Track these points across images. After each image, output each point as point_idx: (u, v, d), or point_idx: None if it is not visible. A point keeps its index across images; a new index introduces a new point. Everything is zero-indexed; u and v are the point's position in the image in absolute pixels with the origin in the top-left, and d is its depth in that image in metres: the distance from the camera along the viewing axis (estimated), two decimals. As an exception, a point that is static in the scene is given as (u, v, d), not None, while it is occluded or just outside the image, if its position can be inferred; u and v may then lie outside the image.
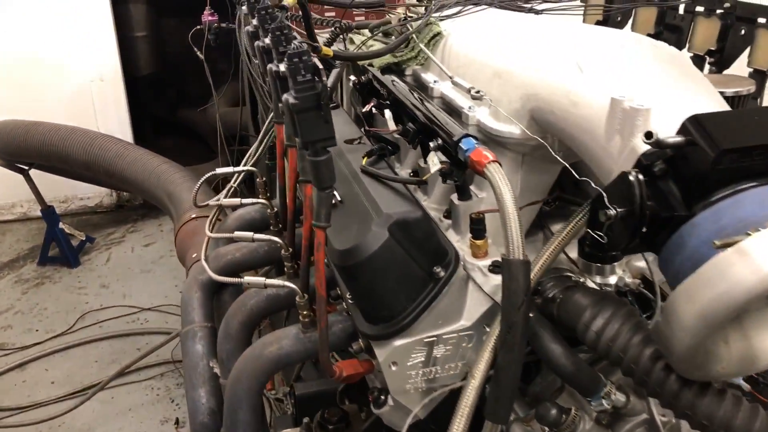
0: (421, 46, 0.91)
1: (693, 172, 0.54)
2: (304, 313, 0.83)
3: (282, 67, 0.64)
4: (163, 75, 3.69)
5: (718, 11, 0.99)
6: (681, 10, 1.04)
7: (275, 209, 1.02)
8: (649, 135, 0.53)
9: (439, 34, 0.94)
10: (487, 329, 0.76)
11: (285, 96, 0.64)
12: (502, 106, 0.73)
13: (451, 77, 0.81)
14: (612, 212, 0.55)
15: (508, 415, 0.66)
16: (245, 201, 1.01)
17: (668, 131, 0.57)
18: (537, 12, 0.98)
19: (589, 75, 0.65)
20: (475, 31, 0.89)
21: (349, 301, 0.80)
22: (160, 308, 2.46)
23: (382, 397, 0.79)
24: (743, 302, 0.49)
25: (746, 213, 0.52)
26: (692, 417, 0.57)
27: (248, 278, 0.83)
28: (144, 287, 2.62)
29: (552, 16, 0.99)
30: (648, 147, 0.55)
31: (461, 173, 0.74)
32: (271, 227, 1.05)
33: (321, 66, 0.64)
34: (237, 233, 0.91)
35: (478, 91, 0.75)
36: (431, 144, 0.77)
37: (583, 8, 1.08)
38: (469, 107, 0.78)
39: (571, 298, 0.68)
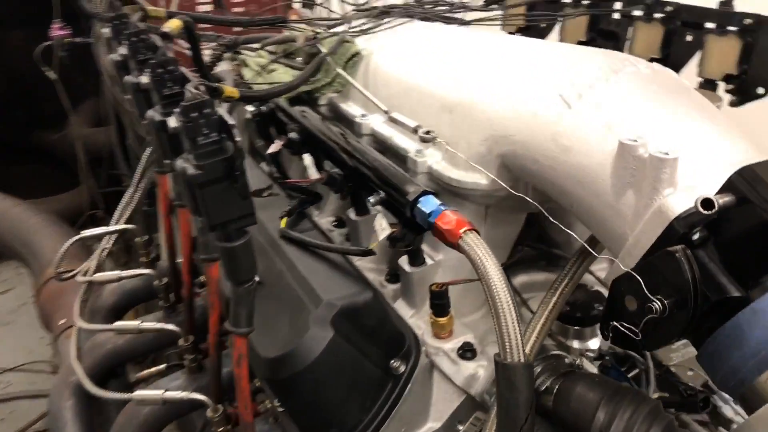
0: (339, 70, 0.74)
1: (746, 239, 0.41)
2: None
3: (171, 122, 0.45)
4: (9, 95, 3.25)
5: (659, 15, 0.90)
6: (617, 14, 0.94)
7: (164, 280, 0.81)
8: (708, 204, 0.39)
9: (357, 54, 0.77)
10: (461, 428, 0.61)
11: (179, 163, 0.45)
12: (460, 150, 0.58)
13: (386, 111, 0.65)
14: (659, 306, 0.40)
15: None
16: (123, 274, 0.79)
17: (702, 186, 0.43)
18: (466, 22, 0.84)
19: (580, 110, 0.51)
20: (406, 51, 0.73)
21: (279, 410, 0.62)
22: (24, 368, 2.13)
23: None
24: None
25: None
26: None
27: (140, 393, 0.62)
28: (3, 343, 2.26)
29: (493, 30, 0.86)
30: (682, 208, 0.41)
31: (416, 238, 0.58)
32: (161, 302, 0.83)
33: (227, 118, 0.45)
34: (118, 324, 0.70)
35: (427, 132, 0.59)
36: (371, 198, 0.60)
37: (522, 17, 0.95)
38: (417, 151, 0.61)
39: (574, 391, 0.53)
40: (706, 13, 0.84)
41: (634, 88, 0.51)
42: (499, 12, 0.94)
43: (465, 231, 0.49)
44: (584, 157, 0.49)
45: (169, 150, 0.53)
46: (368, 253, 0.59)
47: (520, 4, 0.99)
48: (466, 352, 0.60)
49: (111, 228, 0.87)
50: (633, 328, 0.43)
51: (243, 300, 0.50)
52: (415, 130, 0.60)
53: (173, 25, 0.57)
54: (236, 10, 1.53)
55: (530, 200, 0.54)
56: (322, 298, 0.55)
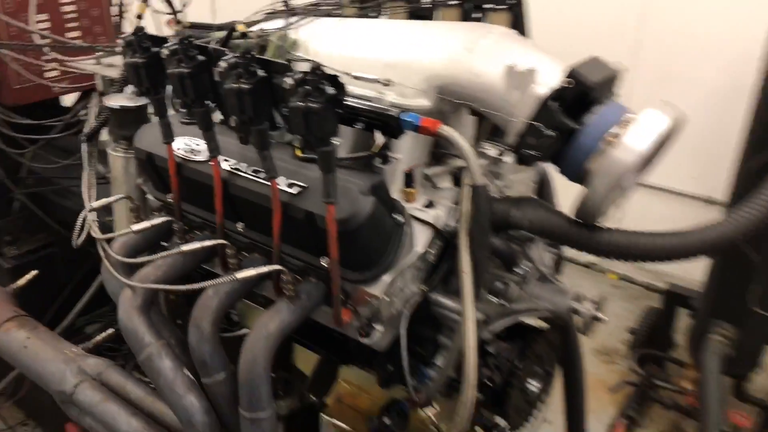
0: (300, 54, 1.09)
1: (579, 100, 0.90)
2: (290, 287, 0.97)
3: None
4: None
5: (455, 2, 1.40)
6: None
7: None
8: (571, 86, 0.87)
9: (295, 42, 1.13)
10: (431, 251, 1.03)
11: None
12: (407, 89, 0.99)
13: (347, 73, 1.03)
14: (553, 132, 0.88)
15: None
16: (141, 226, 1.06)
17: (547, 80, 0.92)
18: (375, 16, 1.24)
19: (478, 53, 0.96)
20: (334, 36, 1.11)
21: (324, 264, 0.97)
22: None
23: (373, 326, 1.00)
24: (624, 170, 0.87)
25: (610, 120, 0.90)
26: (600, 250, 0.94)
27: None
28: None
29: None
30: (555, 91, 0.89)
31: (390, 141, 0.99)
32: (177, 239, 1.11)
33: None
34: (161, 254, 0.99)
35: (388, 80, 0.99)
36: (357, 125, 0.98)
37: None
38: (380, 93, 1.01)
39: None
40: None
41: (501, 39, 0.98)
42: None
43: (440, 125, 0.91)
44: (488, 77, 0.95)
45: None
46: (378, 155, 0.98)
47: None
48: (429, 205, 1.03)
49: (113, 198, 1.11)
50: (531, 152, 0.91)
51: (331, 182, 0.86)
52: (376, 81, 1.00)
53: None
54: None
55: (471, 106, 0.98)
56: (361, 183, 0.93)
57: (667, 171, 1.60)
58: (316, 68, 0.80)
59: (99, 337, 1.41)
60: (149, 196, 1.22)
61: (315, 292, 1.00)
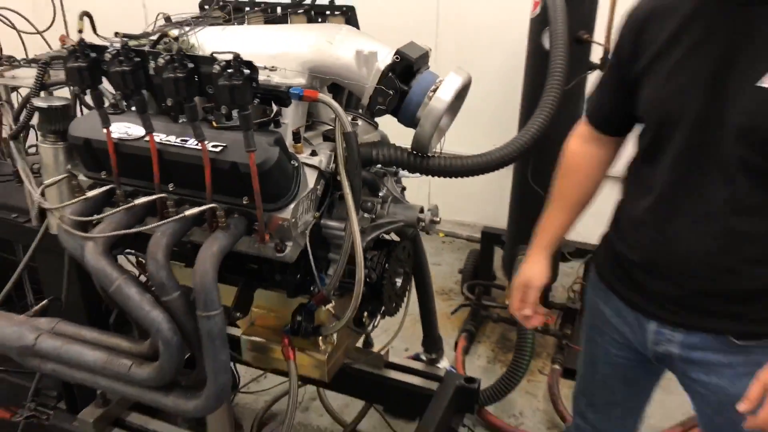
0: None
1: (406, 71, 1.38)
2: (222, 220, 1.34)
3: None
4: None
5: (300, 11, 1.81)
6: (279, 11, 1.81)
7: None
8: (398, 60, 1.33)
9: (193, 45, 1.49)
10: (318, 188, 1.45)
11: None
12: (288, 73, 1.41)
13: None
14: (392, 92, 1.34)
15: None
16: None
17: (383, 59, 1.38)
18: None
19: (336, 43, 1.40)
20: (228, 38, 1.49)
21: (244, 202, 1.35)
22: None
23: (285, 244, 1.40)
24: (441, 113, 1.36)
25: (427, 82, 1.38)
26: (430, 171, 1.43)
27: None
28: None
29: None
30: (388, 65, 1.35)
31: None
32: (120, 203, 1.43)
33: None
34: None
35: (273, 67, 1.40)
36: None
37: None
38: (267, 76, 1.41)
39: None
40: (323, 8, 1.81)
41: (349, 33, 1.43)
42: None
43: (318, 94, 1.34)
44: (345, 60, 1.39)
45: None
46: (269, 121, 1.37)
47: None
48: (313, 154, 1.45)
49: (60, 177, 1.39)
50: (384, 107, 1.36)
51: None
52: (265, 68, 1.40)
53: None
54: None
55: (326, 77, 1.41)
56: (267, 138, 1.33)
57: (474, 141, 2.16)
58: (236, 57, 1.19)
59: (38, 306, 1.65)
60: (81, 177, 1.51)
61: (240, 223, 1.38)
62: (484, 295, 3.10)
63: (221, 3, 1.85)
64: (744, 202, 1.23)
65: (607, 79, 1.47)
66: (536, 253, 1.61)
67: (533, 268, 1.59)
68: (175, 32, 1.46)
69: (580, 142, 1.55)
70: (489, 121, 3.12)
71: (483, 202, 3.57)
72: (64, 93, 1.67)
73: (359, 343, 2.07)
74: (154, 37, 1.41)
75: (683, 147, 1.26)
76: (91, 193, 1.39)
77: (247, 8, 1.84)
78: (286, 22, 1.83)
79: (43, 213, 1.81)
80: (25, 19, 2.18)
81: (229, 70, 1.20)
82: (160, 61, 1.24)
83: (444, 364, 2.21)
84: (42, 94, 1.59)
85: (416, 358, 2.31)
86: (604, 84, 1.49)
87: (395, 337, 1.92)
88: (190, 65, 1.24)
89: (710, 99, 1.21)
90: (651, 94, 1.30)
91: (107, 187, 1.43)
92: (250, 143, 1.25)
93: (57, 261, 1.86)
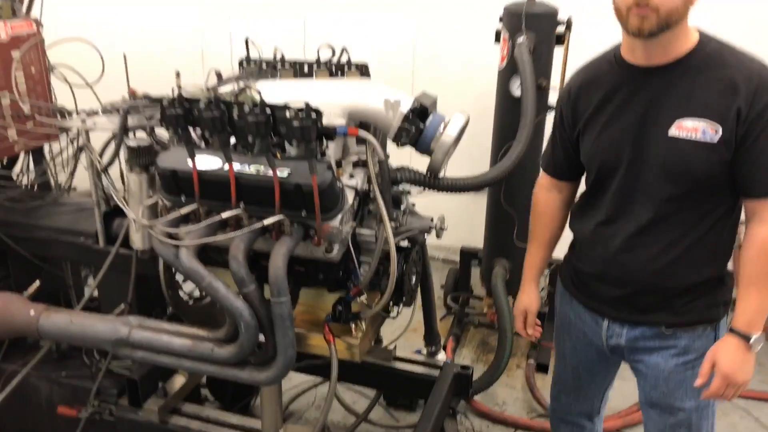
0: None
1: (421, 112, 1.82)
2: (288, 228, 1.74)
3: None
4: None
5: (323, 68, 2.25)
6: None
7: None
8: (417, 107, 1.78)
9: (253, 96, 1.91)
10: (355, 204, 1.87)
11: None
12: (332, 115, 1.84)
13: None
14: (413, 129, 1.78)
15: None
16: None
17: (405, 104, 1.83)
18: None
19: (369, 94, 1.84)
20: (282, 90, 1.91)
21: (303, 215, 1.76)
22: None
23: (333, 246, 1.80)
24: (450, 145, 1.81)
25: (438, 121, 1.83)
26: (441, 187, 1.87)
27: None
28: None
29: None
30: (409, 110, 1.80)
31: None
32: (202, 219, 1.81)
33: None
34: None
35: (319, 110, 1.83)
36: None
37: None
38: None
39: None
40: (342, 66, 2.25)
41: (375, 85, 1.87)
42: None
43: (358, 130, 1.76)
44: (376, 106, 1.82)
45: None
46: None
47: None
48: (350, 177, 1.87)
49: (154, 198, 1.78)
50: (407, 140, 1.80)
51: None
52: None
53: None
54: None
55: (361, 120, 1.84)
56: (322, 165, 1.74)
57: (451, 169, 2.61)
58: (308, 105, 1.62)
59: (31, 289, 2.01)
60: (161, 201, 1.89)
61: (299, 231, 1.78)
62: (465, 306, 3.53)
63: (257, 61, 2.29)
64: (665, 220, 1.63)
65: (555, 137, 1.87)
66: (527, 285, 2.01)
67: (528, 297, 2.01)
68: (234, 86, 1.89)
69: (543, 191, 1.96)
70: (463, 153, 3.59)
71: (458, 226, 3.99)
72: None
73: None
74: (232, 90, 1.82)
75: (620, 183, 1.66)
76: (184, 210, 1.78)
77: (279, 66, 2.28)
78: (311, 77, 2.27)
79: (108, 236, 2.17)
80: (77, 73, 2.56)
81: (302, 115, 1.62)
82: (246, 108, 1.65)
83: (441, 356, 2.62)
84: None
85: (417, 353, 2.71)
86: (553, 141, 1.89)
87: (402, 334, 2.34)
88: (268, 111, 1.66)
89: (636, 147, 1.60)
90: (589, 149, 1.71)
91: (191, 206, 1.81)
92: (313, 168, 1.66)
93: (120, 276, 2.20)
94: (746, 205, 1.57)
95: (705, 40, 1.53)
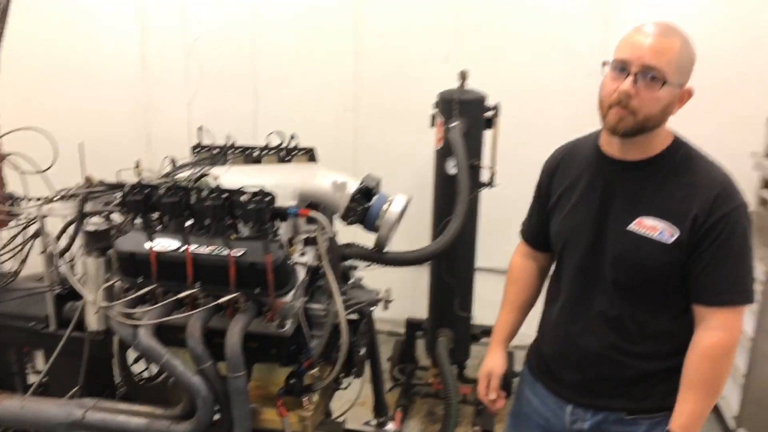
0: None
1: (366, 192, 1.98)
2: (243, 305, 1.83)
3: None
4: None
5: (271, 153, 2.41)
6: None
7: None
8: (363, 187, 1.94)
9: (208, 181, 2.03)
10: (306, 279, 1.98)
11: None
12: (286, 196, 1.97)
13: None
14: (360, 208, 1.93)
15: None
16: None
17: (350, 186, 1.98)
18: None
19: (318, 177, 1.99)
20: (235, 175, 2.04)
21: (256, 292, 1.86)
22: None
23: (285, 321, 1.90)
24: (394, 222, 1.97)
25: (382, 200, 1.99)
26: (387, 262, 2.01)
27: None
28: None
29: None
30: (355, 190, 1.95)
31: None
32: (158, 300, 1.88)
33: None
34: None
35: (273, 193, 1.96)
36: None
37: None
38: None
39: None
40: (290, 150, 2.41)
41: (322, 169, 2.03)
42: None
43: (309, 211, 1.90)
44: (324, 188, 1.98)
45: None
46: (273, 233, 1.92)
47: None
48: (301, 254, 1.99)
49: (113, 281, 1.84)
50: (354, 218, 1.95)
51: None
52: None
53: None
54: None
55: (311, 201, 1.98)
56: (275, 244, 1.86)
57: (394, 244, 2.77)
58: (262, 189, 1.75)
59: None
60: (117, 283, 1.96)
61: (253, 308, 1.87)
62: (411, 377, 3.62)
63: (208, 148, 2.42)
64: (617, 311, 1.64)
65: (533, 208, 1.96)
66: (494, 347, 1.96)
67: (494, 359, 1.94)
68: (187, 172, 2.01)
69: (520, 257, 2.03)
70: (405, 227, 3.77)
71: (402, 298, 4.11)
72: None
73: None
74: (183, 175, 1.94)
75: (578, 267, 1.73)
76: (141, 291, 1.85)
77: (230, 151, 2.42)
78: (260, 162, 2.42)
79: (60, 319, 2.20)
80: (26, 161, 2.62)
81: (257, 198, 1.75)
82: (204, 194, 1.77)
83: (390, 426, 2.69)
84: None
85: (367, 424, 2.77)
86: (531, 210, 1.97)
87: (352, 406, 2.42)
88: (225, 196, 1.78)
89: (596, 235, 1.68)
90: (556, 226, 1.80)
91: (149, 287, 1.89)
92: (268, 248, 1.78)
93: (69, 360, 2.21)
94: (695, 309, 1.59)
95: (678, 143, 1.60)
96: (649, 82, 1.45)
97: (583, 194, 1.68)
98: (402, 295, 4.25)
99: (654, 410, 1.66)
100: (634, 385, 1.68)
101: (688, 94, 1.53)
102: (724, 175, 1.56)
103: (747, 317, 3.13)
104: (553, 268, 1.93)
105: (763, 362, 2.97)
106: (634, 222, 1.57)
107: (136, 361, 2.36)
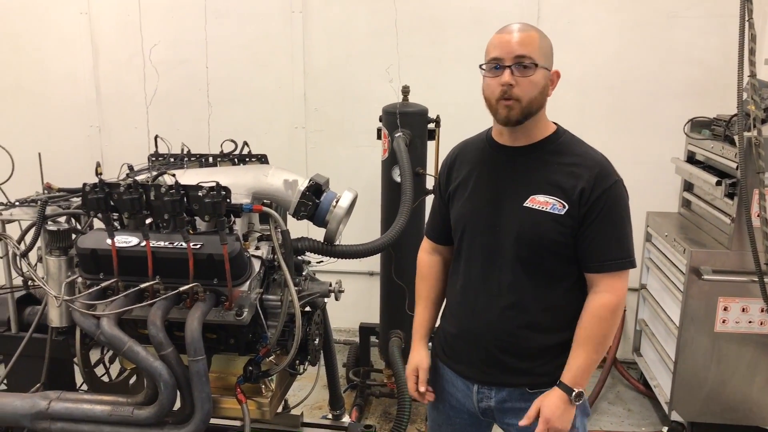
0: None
1: (316, 189, 2.14)
2: (201, 294, 1.95)
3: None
4: None
5: (219, 159, 2.54)
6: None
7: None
8: (312, 184, 2.10)
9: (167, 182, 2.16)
10: (261, 272, 2.12)
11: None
12: (239, 194, 2.11)
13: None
14: (310, 204, 2.09)
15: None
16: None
17: (301, 183, 2.14)
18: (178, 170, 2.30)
19: (270, 176, 2.15)
20: (193, 176, 2.17)
21: (215, 282, 1.98)
22: None
23: (243, 310, 2.03)
24: (342, 217, 2.14)
25: (330, 197, 2.16)
26: (336, 254, 2.17)
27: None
28: None
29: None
30: (305, 187, 2.11)
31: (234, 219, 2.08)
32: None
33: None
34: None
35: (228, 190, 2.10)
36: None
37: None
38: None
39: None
40: (243, 156, 2.55)
41: (275, 169, 2.18)
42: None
43: (262, 207, 2.05)
44: (277, 186, 2.13)
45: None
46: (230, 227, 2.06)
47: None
48: (256, 249, 2.13)
49: (74, 276, 1.94)
50: (305, 214, 2.10)
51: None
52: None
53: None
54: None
55: (264, 198, 2.13)
56: (232, 237, 2.00)
57: (348, 241, 2.93)
58: (218, 184, 1.90)
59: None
60: (78, 279, 2.05)
61: (211, 297, 2.00)
62: (366, 378, 3.75)
63: (165, 155, 2.55)
64: (519, 284, 1.72)
65: (435, 206, 2.10)
66: (417, 344, 1.98)
67: (419, 355, 1.96)
68: (144, 175, 2.14)
69: (426, 254, 2.13)
70: (356, 227, 3.94)
71: (355, 308, 4.28)
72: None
73: (279, 409, 2.64)
74: (144, 177, 2.07)
75: (480, 246, 1.77)
76: (104, 284, 1.96)
77: (186, 159, 2.55)
78: (216, 167, 2.56)
79: (21, 323, 2.28)
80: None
81: (213, 192, 1.89)
82: (162, 190, 1.90)
83: (346, 418, 2.81)
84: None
85: (324, 418, 2.89)
86: (433, 208, 2.12)
87: (308, 396, 2.54)
88: (182, 191, 1.92)
89: (494, 216, 1.74)
90: (456, 212, 1.93)
91: (108, 281, 1.99)
92: (224, 239, 1.92)
93: (29, 362, 2.29)
94: (587, 277, 1.74)
95: (560, 131, 1.78)
96: (523, 69, 1.62)
97: (479, 181, 1.81)
98: (356, 304, 4.42)
99: (553, 383, 1.73)
100: (535, 359, 1.76)
101: (557, 76, 1.71)
102: (601, 155, 1.73)
103: (672, 307, 3.40)
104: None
105: (688, 348, 3.20)
106: (528, 200, 1.70)
107: (97, 363, 2.45)
